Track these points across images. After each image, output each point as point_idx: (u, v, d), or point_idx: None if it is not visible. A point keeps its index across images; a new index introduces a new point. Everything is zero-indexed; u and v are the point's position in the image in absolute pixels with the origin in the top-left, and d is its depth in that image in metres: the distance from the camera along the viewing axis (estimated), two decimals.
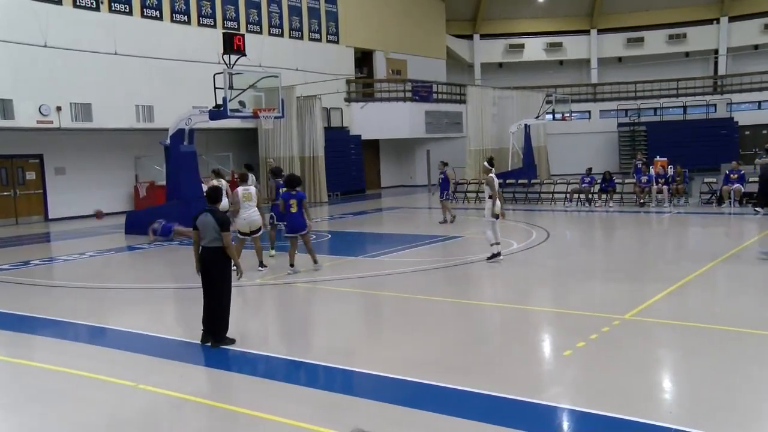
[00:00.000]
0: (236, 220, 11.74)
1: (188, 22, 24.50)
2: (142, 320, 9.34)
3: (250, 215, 11.98)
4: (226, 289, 7.73)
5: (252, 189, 12.32)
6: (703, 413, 5.52)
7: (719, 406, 5.64)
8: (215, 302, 7.63)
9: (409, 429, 5.40)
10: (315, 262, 11.99)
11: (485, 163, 12.85)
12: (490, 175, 12.33)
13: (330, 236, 17.13)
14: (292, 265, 11.78)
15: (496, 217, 12.20)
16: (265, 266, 12.19)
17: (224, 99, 15.90)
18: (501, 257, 12.19)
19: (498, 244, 12.23)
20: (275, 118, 17.32)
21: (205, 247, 7.73)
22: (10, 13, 19.71)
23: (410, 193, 30.43)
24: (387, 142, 33.33)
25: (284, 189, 12.01)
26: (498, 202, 12.24)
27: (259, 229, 12.18)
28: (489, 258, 12.20)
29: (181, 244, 15.95)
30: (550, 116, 32.13)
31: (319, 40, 29.86)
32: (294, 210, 11.62)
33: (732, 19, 38.12)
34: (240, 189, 12.08)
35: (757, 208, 18.24)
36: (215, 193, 8.15)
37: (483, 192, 12.48)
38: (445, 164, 18.87)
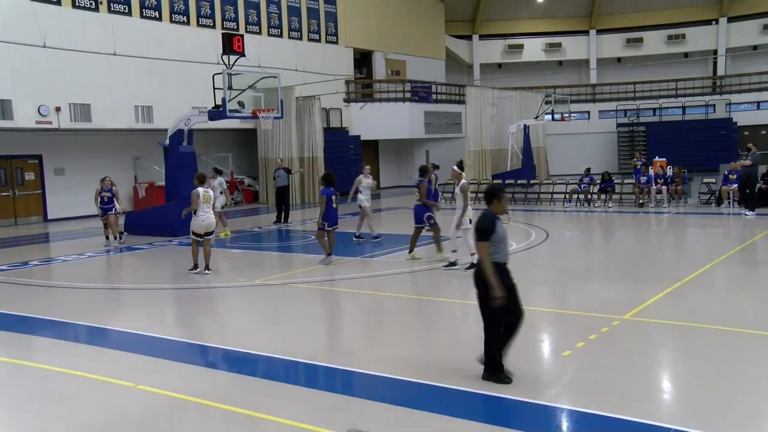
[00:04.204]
0: (193, 221, 12.19)
1: (187, 23, 24.50)
2: (142, 320, 9.34)
3: (209, 217, 12.28)
4: (484, 314, 6.30)
5: (211, 191, 12.60)
6: (703, 413, 5.53)
7: (718, 406, 5.64)
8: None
9: (407, 429, 5.40)
10: (441, 251, 12.69)
11: (455, 167, 11.99)
12: (465, 182, 11.73)
13: None
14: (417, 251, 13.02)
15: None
16: (210, 270, 12.15)
17: (223, 99, 15.93)
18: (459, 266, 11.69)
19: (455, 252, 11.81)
20: (274, 118, 17.35)
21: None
22: (9, 14, 19.71)
23: (409, 193, 30.26)
24: (386, 142, 33.34)
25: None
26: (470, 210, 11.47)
27: (212, 232, 12.57)
28: (447, 266, 11.77)
29: (180, 245, 15.94)
30: (549, 117, 32.21)
31: (319, 40, 29.86)
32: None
33: (731, 20, 38.17)
34: (200, 190, 12.19)
35: (747, 212, 18.27)
36: (493, 190, 6.40)
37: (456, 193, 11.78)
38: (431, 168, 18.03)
